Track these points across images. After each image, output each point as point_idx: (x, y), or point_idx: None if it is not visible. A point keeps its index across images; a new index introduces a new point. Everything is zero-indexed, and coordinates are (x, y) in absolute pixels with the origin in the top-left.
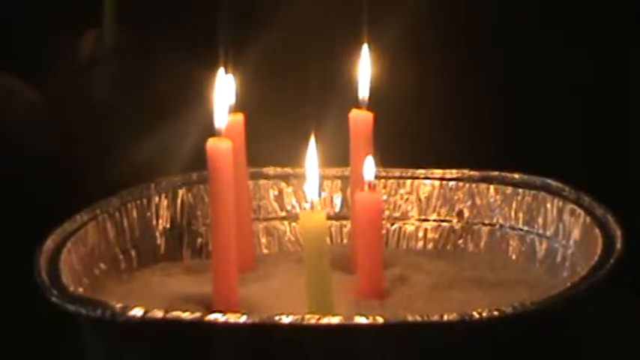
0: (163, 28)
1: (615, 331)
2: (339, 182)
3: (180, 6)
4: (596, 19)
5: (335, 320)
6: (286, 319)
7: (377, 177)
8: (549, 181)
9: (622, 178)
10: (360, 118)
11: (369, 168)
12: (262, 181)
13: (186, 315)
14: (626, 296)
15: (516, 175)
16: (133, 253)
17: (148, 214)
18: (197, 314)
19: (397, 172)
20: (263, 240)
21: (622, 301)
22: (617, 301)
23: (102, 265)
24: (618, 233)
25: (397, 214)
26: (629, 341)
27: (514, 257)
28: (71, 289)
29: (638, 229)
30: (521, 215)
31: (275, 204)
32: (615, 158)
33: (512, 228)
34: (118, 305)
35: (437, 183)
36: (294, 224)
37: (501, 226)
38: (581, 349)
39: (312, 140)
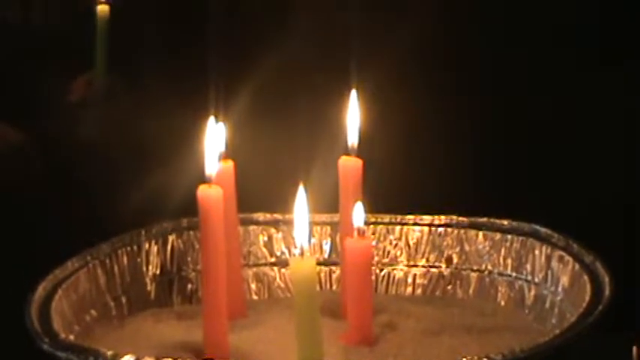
0: (154, 75)
1: None
2: (328, 228)
3: (171, 54)
4: (571, 60)
5: None
6: None
7: (366, 223)
8: (538, 227)
9: (611, 224)
10: (349, 165)
11: (358, 214)
12: (252, 227)
13: None
14: (615, 341)
15: (505, 222)
16: (123, 299)
17: (139, 260)
18: None
19: (386, 218)
20: (253, 286)
21: (611, 345)
22: (607, 345)
23: (93, 312)
24: (607, 280)
25: (386, 260)
26: None
27: (503, 303)
28: (62, 336)
29: (627, 276)
30: (509, 261)
31: (265, 250)
32: (604, 204)
33: (501, 274)
34: (109, 352)
35: (426, 229)
36: (283, 270)
37: (490, 272)
38: None
39: (302, 187)
